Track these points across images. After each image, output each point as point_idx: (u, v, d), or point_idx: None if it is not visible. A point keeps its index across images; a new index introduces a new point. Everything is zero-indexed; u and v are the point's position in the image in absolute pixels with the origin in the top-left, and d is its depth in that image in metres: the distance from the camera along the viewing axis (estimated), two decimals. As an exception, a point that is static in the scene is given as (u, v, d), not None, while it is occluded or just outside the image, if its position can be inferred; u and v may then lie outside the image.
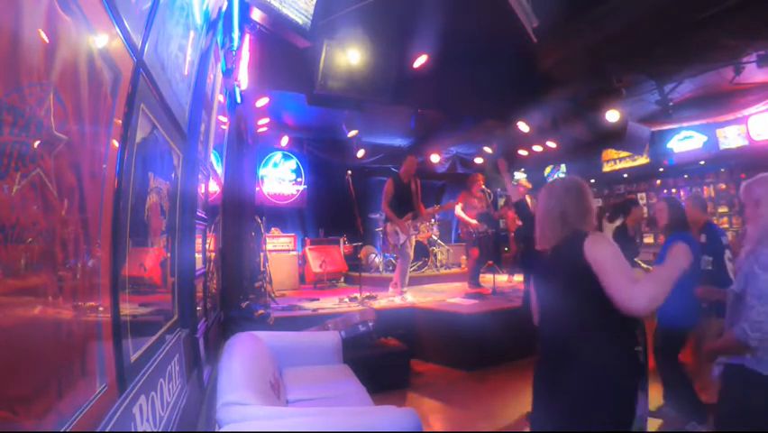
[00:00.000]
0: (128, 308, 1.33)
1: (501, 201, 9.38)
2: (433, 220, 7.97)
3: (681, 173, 8.61)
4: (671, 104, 6.35)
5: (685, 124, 7.79)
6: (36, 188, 0.81)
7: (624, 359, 1.53)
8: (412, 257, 5.77)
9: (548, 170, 10.86)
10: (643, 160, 8.68)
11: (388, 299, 5.35)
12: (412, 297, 5.48)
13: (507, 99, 6.35)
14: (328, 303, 5.16)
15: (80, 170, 0.99)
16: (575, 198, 1.70)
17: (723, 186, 8.06)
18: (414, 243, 5.97)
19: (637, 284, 1.42)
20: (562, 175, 10.76)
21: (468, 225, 6.37)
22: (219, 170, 3.50)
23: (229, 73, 3.34)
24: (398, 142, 8.69)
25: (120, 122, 1.22)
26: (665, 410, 3.17)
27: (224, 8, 2.90)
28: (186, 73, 2.04)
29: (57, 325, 0.91)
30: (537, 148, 8.03)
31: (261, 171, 8.04)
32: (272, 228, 7.42)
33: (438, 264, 7.83)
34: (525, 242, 3.53)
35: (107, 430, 1.01)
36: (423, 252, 7.57)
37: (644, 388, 2.64)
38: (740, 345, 1.72)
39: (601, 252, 1.51)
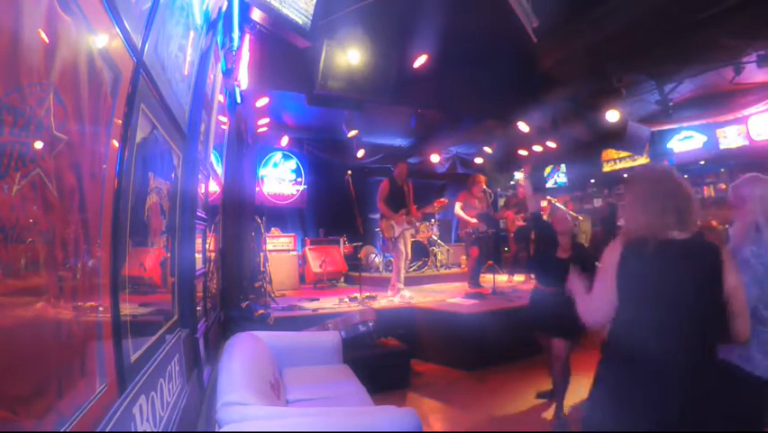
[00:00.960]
0: (128, 308, 1.33)
1: (501, 201, 9.39)
2: (432, 220, 7.97)
3: (681, 173, 8.60)
4: (671, 104, 6.35)
5: (685, 124, 7.80)
6: (36, 188, 0.81)
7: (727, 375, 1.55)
8: (406, 254, 5.77)
9: (548, 170, 10.86)
10: (643, 160, 8.68)
11: (388, 299, 5.35)
12: (410, 293, 5.50)
13: (507, 99, 6.35)
14: (328, 303, 5.16)
15: (80, 170, 0.99)
16: (690, 194, 1.58)
17: (723, 186, 8.07)
18: (410, 241, 5.99)
19: (747, 321, 1.47)
20: (562, 175, 10.77)
21: (468, 225, 6.37)
22: (219, 170, 3.50)
23: (229, 73, 3.34)
24: (398, 142, 8.70)
25: (120, 122, 1.22)
26: None
27: (224, 8, 2.90)
28: (186, 73, 2.04)
29: (57, 325, 0.91)
30: (537, 148, 8.04)
31: (261, 171, 8.04)
32: (272, 228, 7.42)
33: (438, 264, 7.82)
34: (542, 244, 3.49)
35: (107, 430, 1.01)
36: (423, 252, 7.57)
37: None
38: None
39: (737, 278, 1.48)
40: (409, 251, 5.89)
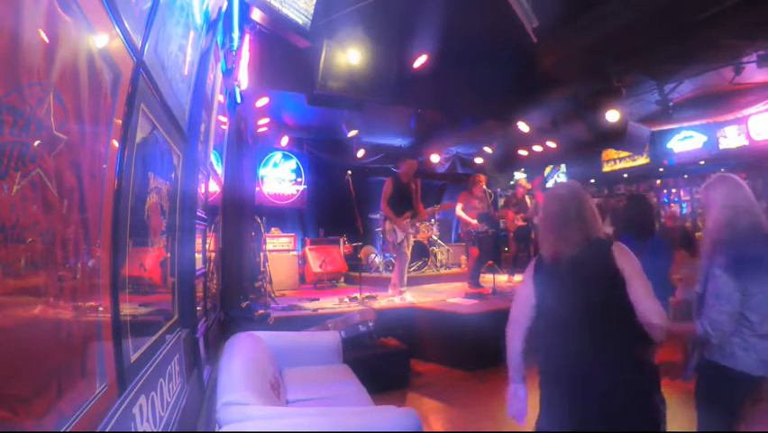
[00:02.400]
0: (128, 308, 1.33)
1: (501, 201, 9.40)
2: (433, 220, 7.97)
3: (680, 173, 8.63)
4: (671, 104, 6.36)
5: (685, 124, 7.80)
6: (36, 188, 0.81)
7: (650, 368, 1.56)
8: (410, 257, 5.75)
9: (548, 170, 10.87)
10: (643, 160, 8.69)
11: (388, 300, 5.34)
12: (411, 296, 5.48)
13: (507, 99, 6.36)
14: (328, 303, 5.15)
15: (80, 170, 0.99)
16: (588, 204, 1.71)
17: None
18: (412, 242, 5.96)
19: (656, 301, 1.50)
20: (562, 175, 10.77)
21: (468, 225, 6.37)
22: (219, 170, 3.50)
23: (229, 73, 3.34)
24: (398, 142, 8.70)
25: (120, 122, 1.22)
26: None
27: (224, 8, 2.90)
28: (186, 73, 2.04)
29: (57, 325, 0.91)
30: (537, 148, 8.04)
31: (261, 171, 8.04)
32: (272, 228, 7.41)
33: (438, 264, 7.82)
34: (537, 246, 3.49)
35: (107, 430, 1.01)
36: (423, 252, 7.57)
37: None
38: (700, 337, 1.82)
39: (631, 261, 1.56)
40: (409, 251, 5.86)
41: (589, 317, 1.56)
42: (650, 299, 1.51)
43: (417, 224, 6.00)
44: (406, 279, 5.78)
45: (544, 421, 1.69)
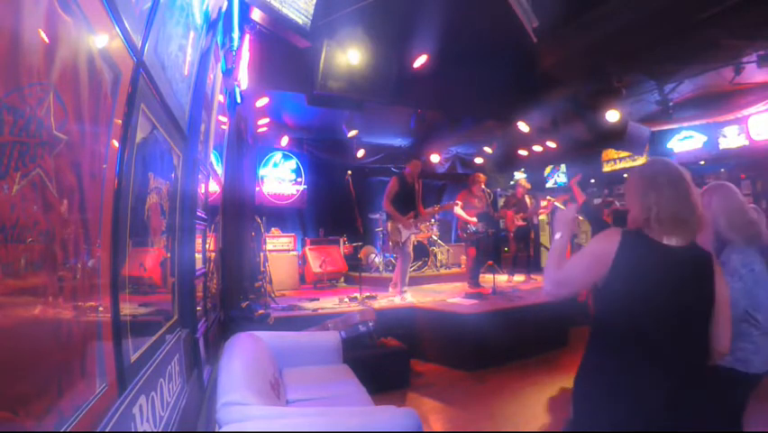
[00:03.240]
0: (128, 308, 1.33)
1: (501, 201, 9.39)
2: (433, 220, 7.97)
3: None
4: (671, 104, 6.35)
5: (685, 124, 7.79)
6: (36, 188, 0.81)
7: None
8: (412, 256, 5.75)
9: (548, 169, 10.86)
10: (643, 160, 8.67)
11: (388, 299, 5.34)
12: (412, 297, 5.48)
13: (507, 99, 6.36)
14: (328, 303, 5.15)
15: (80, 170, 0.99)
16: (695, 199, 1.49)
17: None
18: (414, 242, 5.97)
19: (730, 330, 1.44)
20: (562, 175, 10.76)
21: (468, 225, 6.38)
22: (219, 170, 3.50)
23: (229, 73, 3.34)
24: (398, 142, 8.70)
25: (120, 122, 1.22)
26: None
27: (224, 8, 2.91)
28: (186, 73, 2.04)
29: (57, 325, 0.91)
30: (537, 148, 8.04)
31: (261, 171, 8.04)
32: (272, 228, 7.41)
33: (438, 264, 7.82)
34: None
35: (107, 430, 1.01)
36: (423, 252, 7.57)
37: None
38: None
39: (724, 285, 1.46)
40: (412, 251, 5.86)
41: (679, 321, 1.41)
42: (729, 327, 1.43)
43: (419, 223, 6.01)
44: (408, 279, 5.79)
45: (598, 416, 1.45)
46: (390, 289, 5.66)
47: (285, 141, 7.78)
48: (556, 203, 6.36)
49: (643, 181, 1.49)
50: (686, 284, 1.41)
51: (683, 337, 1.40)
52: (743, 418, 1.87)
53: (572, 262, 1.53)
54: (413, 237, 5.79)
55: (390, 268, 7.33)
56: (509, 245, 7.80)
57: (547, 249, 6.36)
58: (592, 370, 1.51)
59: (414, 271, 7.24)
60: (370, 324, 3.92)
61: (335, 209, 7.96)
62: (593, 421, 1.45)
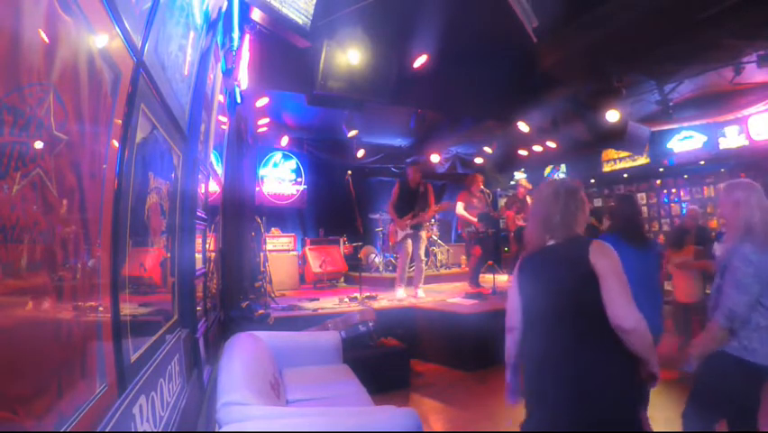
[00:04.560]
0: (128, 308, 1.32)
1: (501, 201, 9.39)
2: (433, 220, 7.97)
3: (680, 173, 8.60)
4: (671, 104, 6.35)
5: (685, 124, 7.78)
6: (36, 188, 0.81)
7: (625, 369, 1.49)
8: (410, 254, 5.75)
9: (548, 169, 10.86)
10: (643, 160, 8.67)
11: (388, 300, 5.35)
12: (422, 292, 5.58)
13: (507, 99, 6.35)
14: (328, 303, 5.16)
15: (80, 170, 0.99)
16: (576, 201, 1.68)
17: (723, 186, 8.03)
18: (426, 241, 6.04)
19: (630, 304, 1.43)
20: (562, 175, 10.76)
21: (469, 225, 6.39)
22: (219, 170, 3.50)
23: (229, 73, 3.34)
24: (398, 142, 8.70)
25: (120, 122, 1.22)
26: None
27: (224, 8, 2.90)
28: (186, 73, 2.04)
29: (57, 325, 0.91)
30: (537, 148, 8.04)
31: (261, 171, 8.04)
32: (272, 228, 7.42)
33: (438, 264, 7.82)
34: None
35: (107, 430, 1.01)
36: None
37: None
38: (723, 333, 1.88)
39: (608, 259, 1.49)
40: (422, 252, 5.85)
41: (562, 316, 1.52)
42: (622, 302, 1.42)
43: (426, 224, 6.08)
44: (423, 276, 5.87)
45: (527, 422, 1.67)
46: (397, 289, 5.63)
47: (285, 141, 7.78)
48: None
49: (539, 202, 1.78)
50: (560, 269, 1.59)
51: (570, 309, 1.52)
52: (758, 417, 1.88)
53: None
54: (423, 234, 5.81)
55: (390, 268, 7.34)
56: (510, 245, 7.80)
57: None
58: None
59: (414, 271, 7.24)
60: (370, 324, 3.92)
61: (335, 209, 7.96)
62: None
